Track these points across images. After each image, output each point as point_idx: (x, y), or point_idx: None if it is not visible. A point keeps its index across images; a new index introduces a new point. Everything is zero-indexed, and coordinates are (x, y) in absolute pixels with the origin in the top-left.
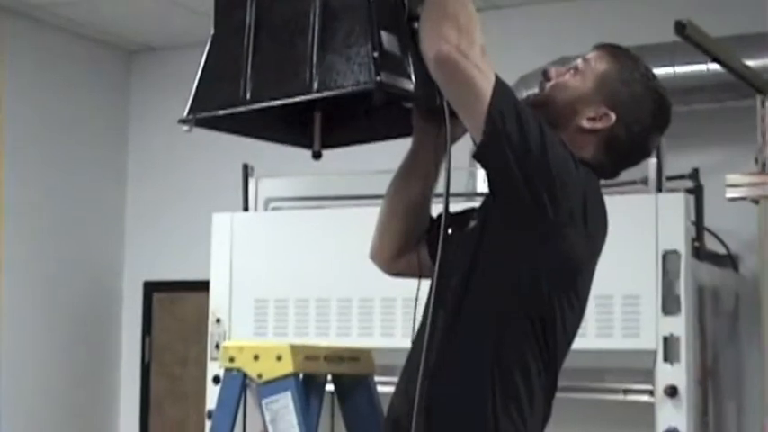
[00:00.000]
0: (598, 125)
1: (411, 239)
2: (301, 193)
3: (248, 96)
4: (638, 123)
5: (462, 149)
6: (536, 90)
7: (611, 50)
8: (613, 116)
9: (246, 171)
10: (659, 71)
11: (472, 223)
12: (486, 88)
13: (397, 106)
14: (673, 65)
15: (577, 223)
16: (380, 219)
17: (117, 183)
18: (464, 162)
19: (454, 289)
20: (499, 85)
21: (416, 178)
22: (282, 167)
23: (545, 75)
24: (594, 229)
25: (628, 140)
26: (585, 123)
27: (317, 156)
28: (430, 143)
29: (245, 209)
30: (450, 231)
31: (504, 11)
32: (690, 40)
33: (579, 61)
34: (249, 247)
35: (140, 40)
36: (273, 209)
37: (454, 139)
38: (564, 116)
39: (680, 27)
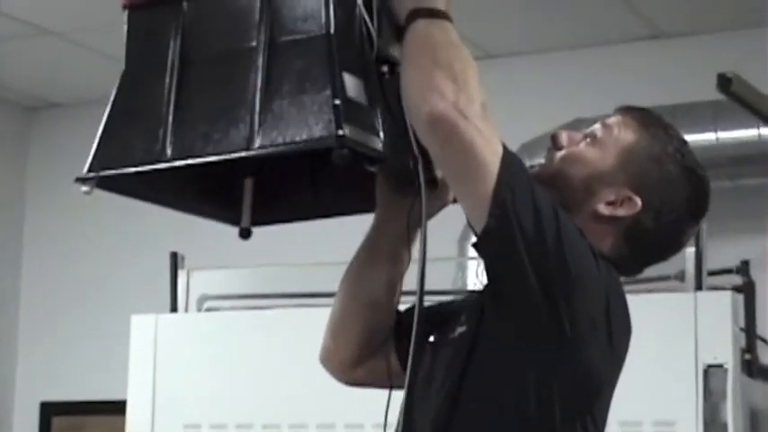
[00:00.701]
0: (620, 212)
1: (373, 341)
2: (244, 290)
3: (169, 152)
4: (670, 211)
5: (452, 231)
6: (542, 160)
7: (640, 116)
8: (639, 201)
9: (175, 261)
10: (697, 137)
11: (460, 329)
12: (492, 159)
13: (357, 171)
14: (715, 129)
15: (599, 333)
16: (335, 315)
17: (9, 275)
18: (452, 250)
19: (437, 409)
20: (508, 154)
21: (380, 264)
22: (221, 257)
23: (554, 141)
24: (618, 339)
25: (656, 232)
26: (603, 209)
27: (245, 234)
28: (398, 220)
29: (174, 309)
30: (432, 338)
31: (502, 60)
32: (736, 97)
33: (598, 126)
34: (178, 358)
35: (41, 94)
36: (209, 309)
37: (430, 215)
38: (577, 197)
39: (724, 81)
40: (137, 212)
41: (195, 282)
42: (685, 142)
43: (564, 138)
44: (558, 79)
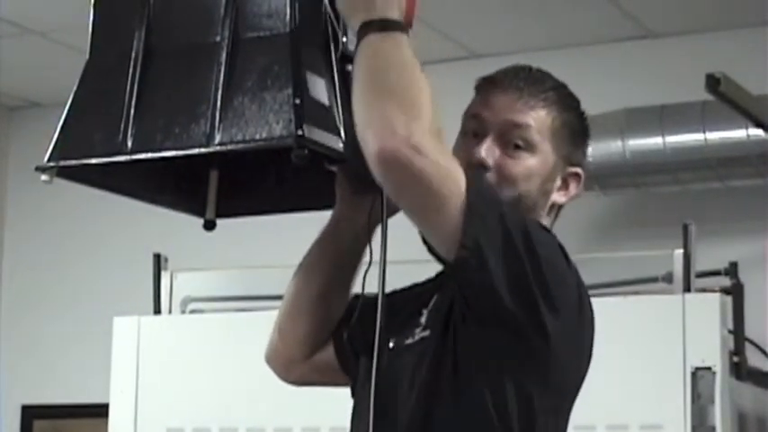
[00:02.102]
0: (572, 191)
1: (319, 338)
2: (228, 292)
3: (129, 144)
4: (585, 162)
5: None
6: None
7: (535, 88)
8: (581, 171)
9: (158, 262)
10: (686, 138)
11: (421, 332)
12: (454, 194)
13: (321, 167)
14: (703, 130)
15: (574, 334)
16: (284, 310)
17: None
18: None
19: (410, 417)
20: (471, 180)
21: (334, 260)
22: (205, 258)
23: (482, 165)
24: (590, 337)
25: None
26: (560, 198)
27: (209, 226)
28: (356, 217)
29: (157, 311)
30: (391, 344)
31: (489, 59)
32: (725, 98)
33: (513, 129)
34: (161, 361)
35: (22, 94)
36: (193, 311)
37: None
38: (537, 203)
39: (713, 82)
40: (120, 213)
41: (179, 284)
42: (559, 81)
43: (485, 156)
44: None
